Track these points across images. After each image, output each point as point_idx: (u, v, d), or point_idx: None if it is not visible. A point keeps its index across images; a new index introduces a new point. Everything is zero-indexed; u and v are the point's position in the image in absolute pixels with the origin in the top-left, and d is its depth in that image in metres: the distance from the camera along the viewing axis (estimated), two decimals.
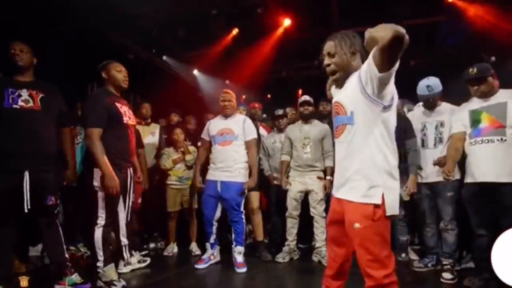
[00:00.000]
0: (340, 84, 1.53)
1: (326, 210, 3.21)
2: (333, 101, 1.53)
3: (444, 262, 2.69)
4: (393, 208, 1.35)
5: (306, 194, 3.25)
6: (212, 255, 3.09)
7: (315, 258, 3.17)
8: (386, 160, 1.37)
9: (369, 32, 1.28)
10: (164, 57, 6.52)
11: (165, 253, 3.50)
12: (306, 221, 3.31)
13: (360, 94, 1.35)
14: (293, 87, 7.40)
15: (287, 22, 5.41)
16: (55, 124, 2.35)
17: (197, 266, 3.00)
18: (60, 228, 2.38)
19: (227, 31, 5.71)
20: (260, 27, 5.43)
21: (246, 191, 3.06)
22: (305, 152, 3.22)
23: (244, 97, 7.74)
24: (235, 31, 5.68)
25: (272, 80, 7.34)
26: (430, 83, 2.78)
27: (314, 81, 5.64)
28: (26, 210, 2.12)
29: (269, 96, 8.30)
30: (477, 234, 2.39)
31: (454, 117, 2.62)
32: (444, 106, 2.84)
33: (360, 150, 1.38)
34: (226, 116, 3.13)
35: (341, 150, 1.47)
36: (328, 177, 3.20)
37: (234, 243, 3.00)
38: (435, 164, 2.67)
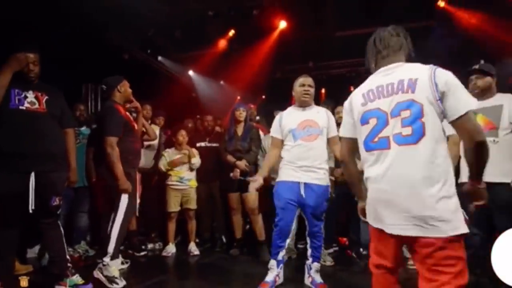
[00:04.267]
0: None
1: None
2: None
3: None
4: None
5: None
6: (278, 276, 2.54)
7: None
8: None
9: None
10: (160, 58, 6.52)
11: (164, 254, 3.49)
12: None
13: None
14: (288, 88, 7.47)
15: (283, 24, 5.47)
16: (59, 125, 2.37)
17: None
18: (61, 228, 2.39)
19: (223, 33, 5.76)
20: (257, 28, 5.48)
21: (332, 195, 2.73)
22: None
23: (239, 97, 7.78)
24: (231, 32, 5.72)
25: (267, 81, 7.37)
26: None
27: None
28: (30, 211, 2.14)
29: (263, 97, 8.36)
30: (472, 234, 2.45)
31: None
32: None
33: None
34: (305, 106, 2.60)
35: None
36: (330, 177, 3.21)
37: (310, 259, 2.54)
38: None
